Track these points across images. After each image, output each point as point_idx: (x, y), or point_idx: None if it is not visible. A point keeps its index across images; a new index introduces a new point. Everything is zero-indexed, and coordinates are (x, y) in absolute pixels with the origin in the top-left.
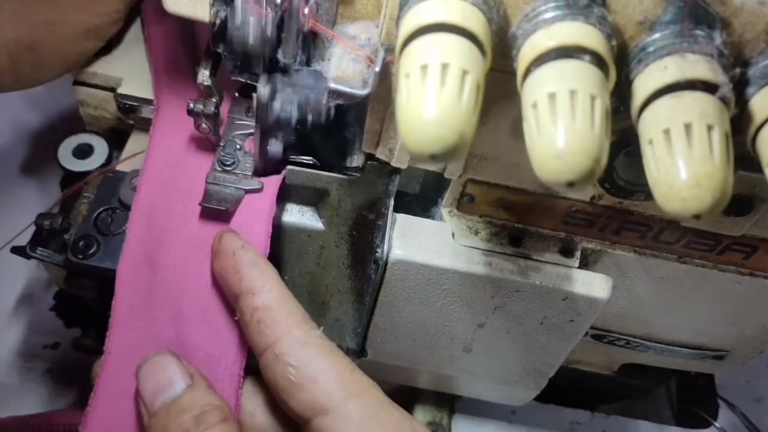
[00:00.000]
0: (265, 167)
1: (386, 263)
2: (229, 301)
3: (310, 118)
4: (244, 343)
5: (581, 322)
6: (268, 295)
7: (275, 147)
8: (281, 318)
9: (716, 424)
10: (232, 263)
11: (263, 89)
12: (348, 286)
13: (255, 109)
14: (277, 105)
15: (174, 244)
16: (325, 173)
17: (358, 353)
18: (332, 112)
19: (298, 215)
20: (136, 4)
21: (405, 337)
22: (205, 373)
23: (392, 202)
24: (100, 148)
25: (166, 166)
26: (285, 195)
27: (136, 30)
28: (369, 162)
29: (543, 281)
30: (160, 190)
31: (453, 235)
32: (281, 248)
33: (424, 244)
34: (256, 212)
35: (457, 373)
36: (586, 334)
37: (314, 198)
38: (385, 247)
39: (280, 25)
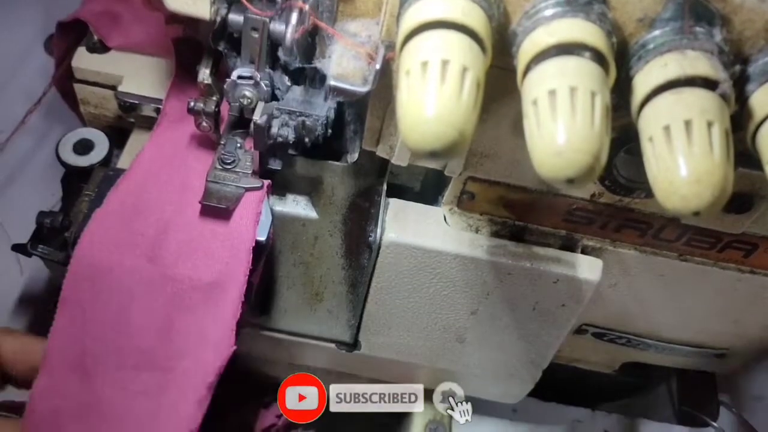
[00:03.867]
0: (265, 168)
1: (379, 246)
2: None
3: (307, 140)
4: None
5: (573, 306)
6: None
7: (275, 165)
8: None
9: (714, 424)
10: None
11: (260, 119)
12: (341, 276)
13: (253, 137)
14: (273, 131)
15: (173, 241)
16: (319, 161)
17: (351, 346)
18: (329, 131)
19: (292, 204)
20: None
21: (398, 326)
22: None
23: (385, 186)
24: (100, 143)
25: (161, 164)
26: (280, 184)
27: None
28: (362, 149)
29: (534, 264)
30: (149, 186)
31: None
32: (276, 238)
33: (417, 227)
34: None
35: (451, 366)
36: (587, 332)
37: (308, 187)
38: (378, 230)
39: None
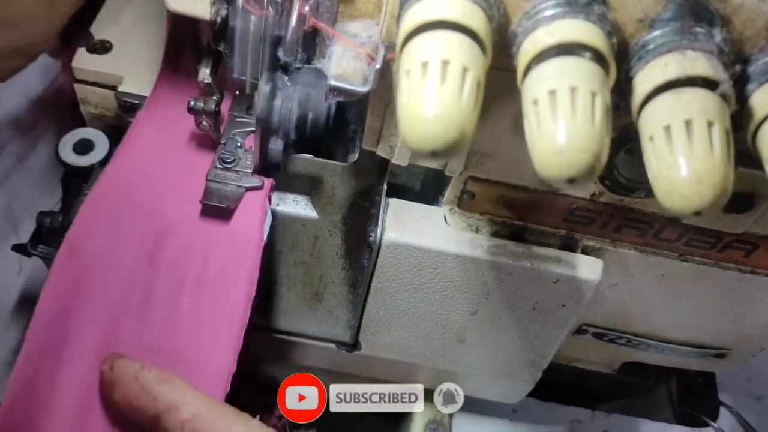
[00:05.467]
0: (265, 165)
1: (379, 246)
2: (144, 427)
3: (310, 116)
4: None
5: (573, 306)
6: (192, 404)
7: (276, 145)
8: (216, 421)
9: (714, 424)
10: (138, 387)
11: (264, 87)
12: (341, 276)
13: (256, 106)
14: (278, 102)
15: (173, 241)
16: (319, 159)
17: (351, 346)
18: (333, 110)
19: (292, 204)
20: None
21: (398, 326)
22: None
23: (385, 186)
24: (101, 143)
25: (157, 162)
26: (280, 184)
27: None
28: (362, 149)
29: (534, 264)
30: (144, 184)
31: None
32: (275, 238)
33: (417, 227)
34: (251, 210)
35: (451, 367)
36: (587, 332)
37: (308, 186)
38: (379, 230)
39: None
